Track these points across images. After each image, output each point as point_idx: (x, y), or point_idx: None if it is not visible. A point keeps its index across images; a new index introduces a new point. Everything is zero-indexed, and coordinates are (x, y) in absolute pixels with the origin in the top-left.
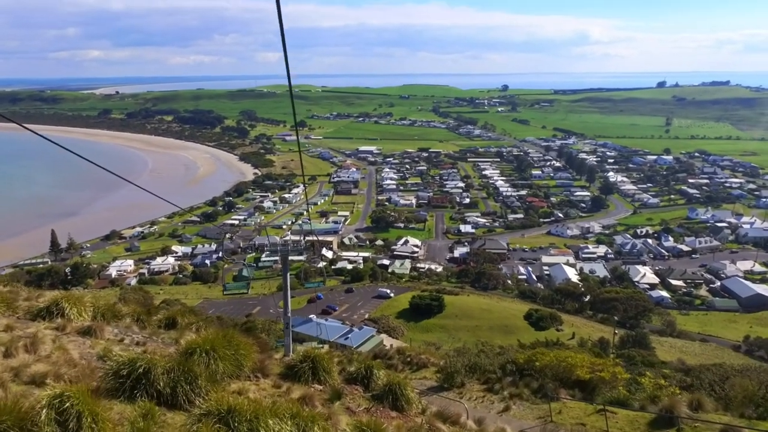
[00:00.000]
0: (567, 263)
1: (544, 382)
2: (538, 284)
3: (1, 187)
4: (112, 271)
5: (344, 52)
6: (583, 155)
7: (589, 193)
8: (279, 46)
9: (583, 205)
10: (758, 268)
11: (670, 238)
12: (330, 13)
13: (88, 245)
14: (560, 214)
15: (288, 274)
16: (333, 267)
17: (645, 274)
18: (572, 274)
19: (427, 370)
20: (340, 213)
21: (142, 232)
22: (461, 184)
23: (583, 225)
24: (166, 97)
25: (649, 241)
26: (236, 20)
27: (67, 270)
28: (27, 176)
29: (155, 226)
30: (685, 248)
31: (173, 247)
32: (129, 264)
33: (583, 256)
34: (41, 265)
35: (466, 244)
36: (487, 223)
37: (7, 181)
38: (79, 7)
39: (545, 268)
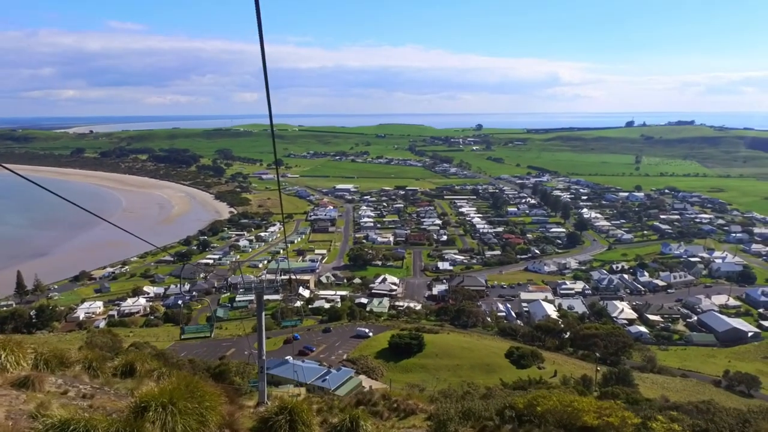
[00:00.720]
0: (546, 299)
1: (548, 429)
2: (518, 321)
3: None
4: (80, 314)
5: (322, 92)
6: (557, 192)
7: (564, 230)
8: (256, 86)
9: (559, 241)
10: (732, 302)
11: (646, 273)
12: (308, 54)
13: (56, 287)
14: (537, 251)
15: (263, 313)
16: (310, 306)
17: (623, 310)
18: (551, 311)
19: (416, 417)
20: (317, 251)
21: (113, 272)
22: (438, 222)
23: (559, 261)
24: (141, 136)
25: (625, 276)
26: (214, 61)
27: (32, 313)
28: (3, 217)
29: (127, 266)
30: (660, 283)
31: (145, 288)
32: (98, 306)
33: (561, 292)
34: (5, 308)
35: (444, 281)
36: (464, 260)
37: None
38: (55, 47)
39: (524, 304)
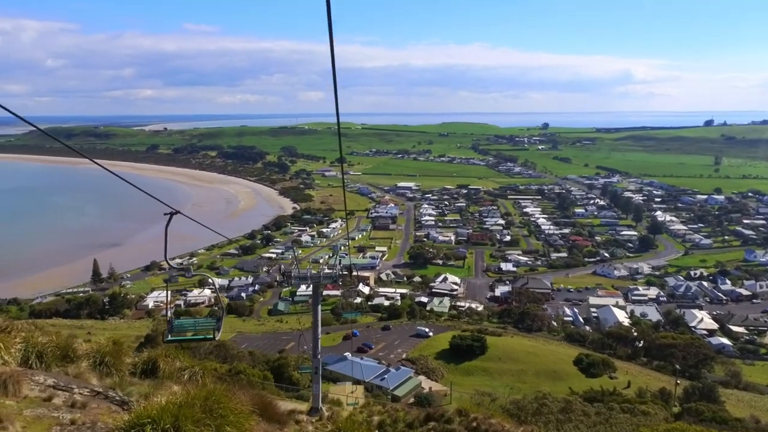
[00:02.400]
0: (616, 305)
1: None
2: (586, 327)
3: (51, 218)
4: (149, 302)
5: (385, 91)
6: (628, 194)
7: (636, 233)
8: (322, 85)
9: (630, 244)
10: None
11: (728, 281)
12: (374, 54)
13: (129, 275)
14: (606, 254)
15: (319, 307)
16: (370, 303)
17: (702, 319)
18: (622, 317)
19: None
20: (377, 248)
21: (182, 263)
22: (501, 222)
23: (631, 265)
24: (211, 133)
25: (705, 283)
26: (282, 61)
27: (105, 299)
28: (76, 207)
29: (194, 258)
30: (744, 292)
31: (210, 279)
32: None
33: (633, 298)
34: (81, 294)
35: (507, 282)
36: (528, 262)
37: (57, 211)
38: (135, 49)
39: (593, 309)
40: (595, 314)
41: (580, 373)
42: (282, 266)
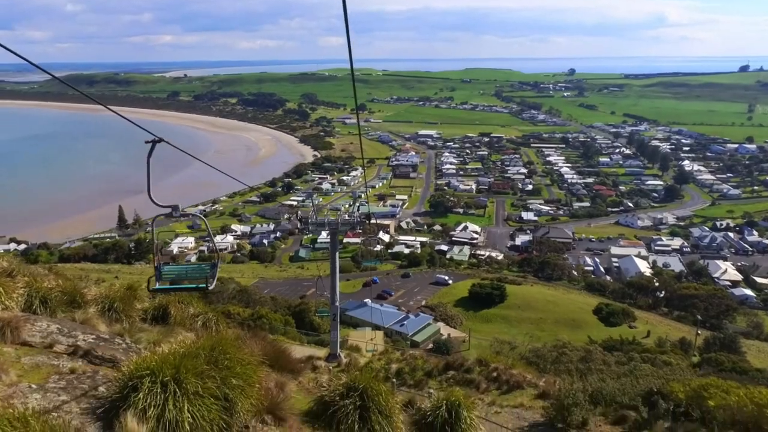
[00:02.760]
0: (638, 255)
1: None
2: (607, 277)
3: (77, 165)
4: (174, 248)
5: (407, 36)
6: (655, 142)
7: (661, 183)
8: (342, 30)
9: (655, 194)
10: None
11: (755, 232)
12: None
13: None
14: (630, 204)
15: (337, 254)
16: (390, 251)
17: (726, 270)
18: (644, 268)
19: (523, 394)
20: (398, 197)
21: (204, 210)
22: (524, 170)
23: (655, 216)
24: (231, 80)
25: (731, 234)
26: (301, 4)
27: (131, 245)
28: (100, 155)
29: (217, 205)
30: None
31: (233, 226)
32: (190, 241)
33: (656, 248)
34: (108, 240)
35: (528, 231)
36: (550, 211)
37: (83, 158)
38: None
39: (614, 259)
40: (617, 264)
41: (600, 322)
42: (300, 213)
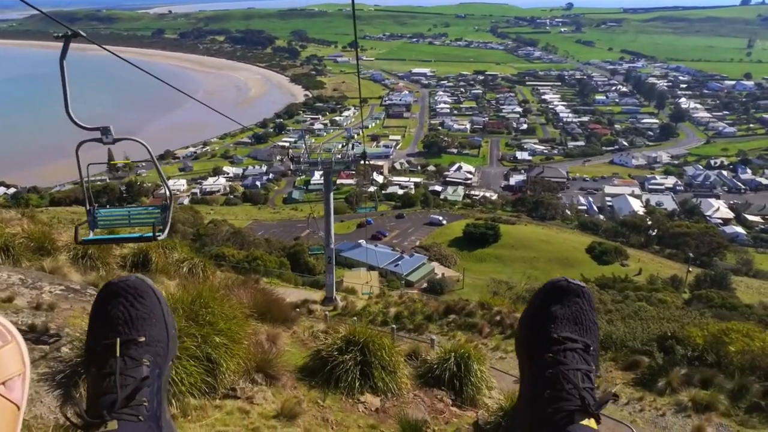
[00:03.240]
0: (632, 194)
1: (746, 381)
2: (600, 216)
3: (60, 107)
4: (166, 190)
5: None
6: (652, 80)
7: (657, 121)
8: None
9: (651, 133)
10: None
11: (748, 170)
12: None
13: (144, 164)
14: (625, 143)
15: (331, 195)
16: (384, 192)
17: (718, 208)
18: (637, 206)
19: None
20: (391, 137)
21: (195, 152)
22: (519, 109)
23: (649, 154)
24: (218, 16)
25: (724, 172)
26: None
27: (122, 188)
28: (86, 96)
29: (208, 147)
30: (764, 181)
31: (225, 168)
32: (182, 183)
33: (650, 187)
34: (99, 183)
35: (522, 171)
36: (545, 151)
37: (71, 100)
38: None
39: (608, 198)
40: (610, 203)
41: (592, 260)
42: (291, 152)
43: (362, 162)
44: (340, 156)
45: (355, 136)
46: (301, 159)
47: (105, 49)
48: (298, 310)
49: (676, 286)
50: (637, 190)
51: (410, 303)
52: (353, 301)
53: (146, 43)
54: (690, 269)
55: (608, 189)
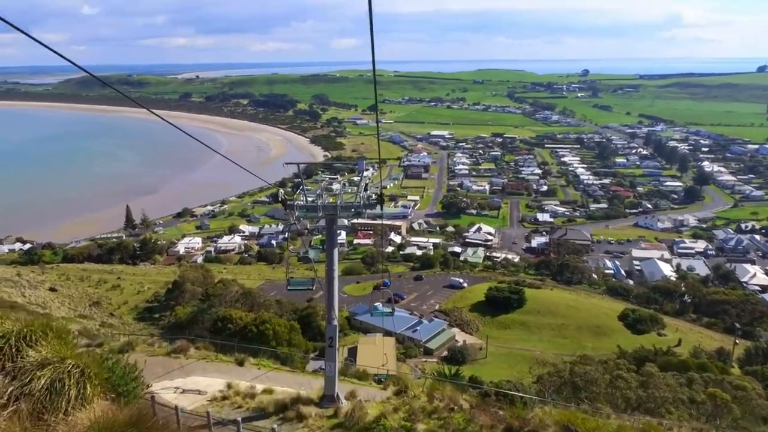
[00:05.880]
0: (661, 258)
1: None
2: (629, 280)
3: (87, 165)
4: (180, 248)
5: (419, 38)
6: (673, 143)
7: (681, 184)
8: (354, 32)
9: (675, 196)
10: None
11: None
12: None
13: (161, 222)
14: (649, 205)
15: (335, 250)
16: (401, 252)
17: (755, 274)
18: (668, 271)
19: None
20: (409, 197)
21: (213, 210)
22: (538, 171)
23: (675, 217)
24: (242, 81)
25: (757, 237)
26: (315, 7)
27: (136, 245)
28: (112, 154)
29: (225, 206)
30: None
31: (241, 227)
32: (197, 241)
33: (679, 251)
34: (114, 240)
35: (544, 233)
36: (566, 213)
37: (93, 158)
38: None
39: (636, 262)
40: (639, 267)
41: (626, 329)
42: (281, 193)
43: (378, 207)
44: (346, 196)
45: (370, 172)
46: (296, 202)
47: (148, 110)
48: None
49: (724, 360)
50: (667, 254)
51: (447, 416)
52: (363, 400)
53: (173, 105)
54: (737, 341)
55: (635, 252)
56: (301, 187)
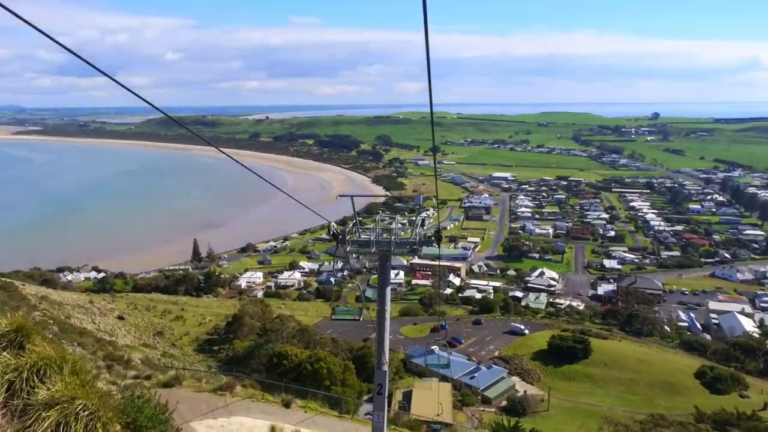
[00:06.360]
0: (742, 312)
1: None
2: (705, 335)
3: (160, 199)
4: (242, 282)
5: (483, 81)
6: (752, 189)
7: (762, 233)
8: (418, 75)
9: (755, 245)
10: None
11: None
12: (473, 42)
13: (226, 255)
14: (726, 255)
15: (388, 290)
16: (460, 295)
17: None
18: (750, 326)
19: None
20: (470, 239)
21: (275, 246)
22: (605, 215)
23: (756, 268)
24: (309, 122)
25: None
26: (380, 52)
27: (201, 278)
28: (183, 190)
29: (287, 242)
30: None
31: (301, 263)
32: (258, 276)
33: (762, 304)
34: (181, 272)
35: (611, 280)
36: (635, 260)
37: (168, 193)
38: (243, 42)
39: (713, 316)
40: (716, 321)
41: (703, 387)
42: (333, 226)
43: (435, 245)
44: (403, 233)
45: (431, 212)
46: (348, 237)
47: (217, 149)
48: None
49: None
50: (748, 308)
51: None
52: None
53: (242, 145)
54: None
55: (713, 305)
56: (354, 221)
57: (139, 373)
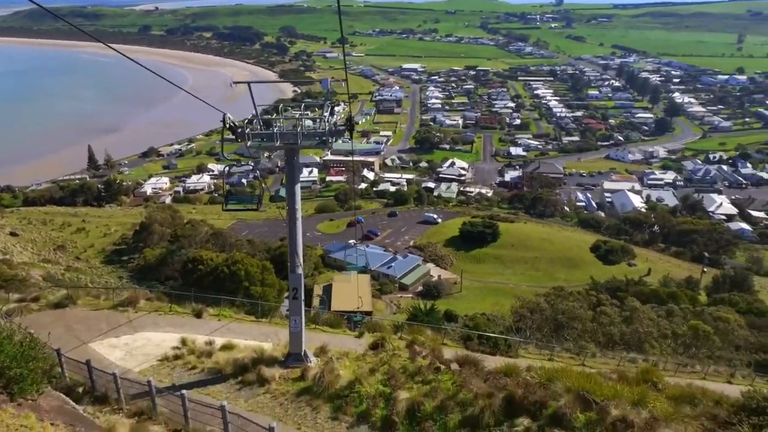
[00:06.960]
0: (631, 190)
1: None
2: (600, 212)
3: (44, 103)
4: (147, 189)
5: None
6: (645, 74)
7: (652, 115)
8: None
9: (646, 127)
10: None
11: (748, 165)
12: None
13: (126, 162)
14: (620, 138)
15: (297, 188)
16: (374, 189)
17: (721, 204)
18: (638, 202)
19: None
20: (382, 133)
21: (180, 149)
22: (511, 104)
23: (646, 149)
24: (205, 13)
25: (724, 167)
26: None
27: (100, 186)
28: (69, 91)
29: (193, 144)
30: (765, 176)
31: (209, 165)
32: (165, 181)
33: (649, 182)
34: (77, 181)
35: (517, 167)
36: (539, 146)
37: (50, 96)
38: None
39: (607, 194)
40: (610, 199)
41: (597, 260)
42: (229, 118)
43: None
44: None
45: (341, 108)
46: (246, 129)
47: (105, 44)
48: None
49: (692, 288)
50: (637, 186)
51: (433, 378)
52: (335, 358)
53: (132, 39)
54: (705, 270)
55: (607, 185)
56: (254, 112)
57: (24, 296)
